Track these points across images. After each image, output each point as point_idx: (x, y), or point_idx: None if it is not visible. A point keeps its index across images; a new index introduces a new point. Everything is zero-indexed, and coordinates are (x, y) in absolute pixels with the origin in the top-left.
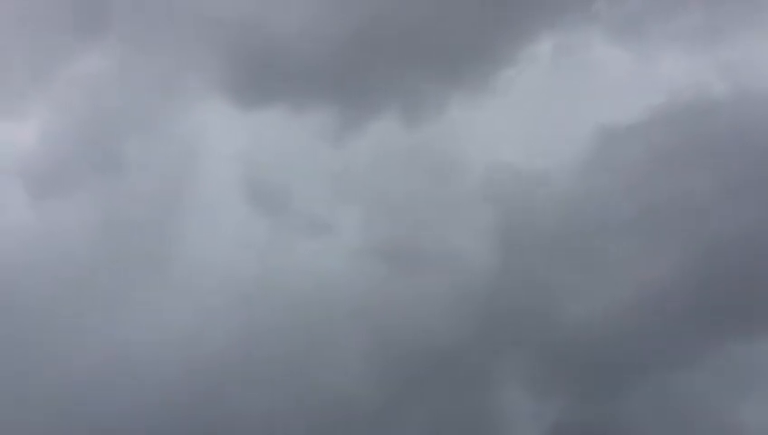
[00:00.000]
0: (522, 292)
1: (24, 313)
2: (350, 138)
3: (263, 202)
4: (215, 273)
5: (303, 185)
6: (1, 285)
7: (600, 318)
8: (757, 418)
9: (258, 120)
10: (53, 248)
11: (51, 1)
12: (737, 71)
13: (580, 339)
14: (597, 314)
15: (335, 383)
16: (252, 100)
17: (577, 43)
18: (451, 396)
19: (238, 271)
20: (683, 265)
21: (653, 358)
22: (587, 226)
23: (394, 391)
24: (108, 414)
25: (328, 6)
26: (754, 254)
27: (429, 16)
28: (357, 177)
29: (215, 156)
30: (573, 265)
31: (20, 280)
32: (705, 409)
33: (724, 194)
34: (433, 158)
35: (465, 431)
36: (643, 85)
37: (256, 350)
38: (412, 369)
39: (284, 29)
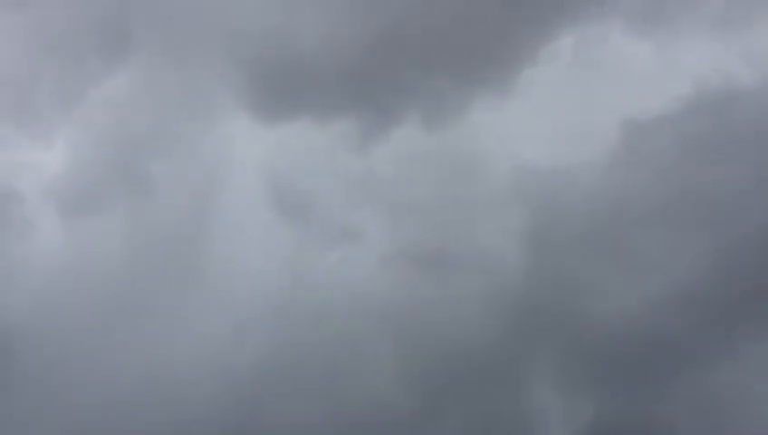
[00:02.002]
0: (552, 291)
1: (59, 332)
2: (374, 144)
3: (290, 213)
4: (245, 285)
5: (329, 194)
6: (36, 305)
7: (633, 314)
8: None
9: (282, 133)
10: (86, 268)
11: (74, 26)
12: (762, 57)
13: (613, 336)
14: (630, 310)
15: (369, 390)
16: (275, 112)
17: (597, 38)
18: (484, 398)
19: (268, 282)
20: (716, 256)
21: (689, 353)
22: (616, 221)
23: (427, 395)
24: (143, 429)
25: (345, 17)
26: None
27: (447, 21)
28: (382, 183)
29: (241, 170)
30: (604, 261)
31: (55, 300)
32: (743, 403)
33: (755, 183)
34: (457, 160)
35: (499, 433)
36: (667, 76)
37: (289, 360)
38: (445, 372)
39: (304, 42)
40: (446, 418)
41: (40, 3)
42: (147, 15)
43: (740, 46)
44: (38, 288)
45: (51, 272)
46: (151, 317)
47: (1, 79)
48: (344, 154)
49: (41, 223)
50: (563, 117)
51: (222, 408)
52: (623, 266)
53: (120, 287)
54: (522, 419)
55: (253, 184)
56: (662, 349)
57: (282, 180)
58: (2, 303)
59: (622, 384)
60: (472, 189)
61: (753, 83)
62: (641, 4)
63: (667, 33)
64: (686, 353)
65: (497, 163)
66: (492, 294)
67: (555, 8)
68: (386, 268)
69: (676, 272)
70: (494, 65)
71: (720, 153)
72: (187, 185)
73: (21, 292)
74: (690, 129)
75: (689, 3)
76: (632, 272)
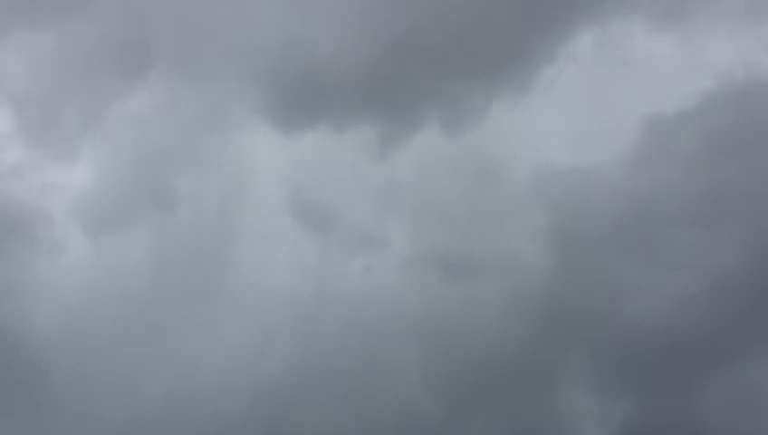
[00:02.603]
0: (579, 291)
1: (88, 347)
2: (394, 151)
3: (312, 223)
4: (270, 296)
5: (351, 202)
6: (66, 322)
7: (663, 313)
8: None
9: (303, 143)
10: (114, 284)
11: (95, 45)
12: None
13: (643, 336)
14: (659, 308)
15: (397, 396)
16: (294, 123)
17: (617, 35)
18: (513, 402)
19: (293, 292)
20: (745, 250)
21: (721, 351)
22: (642, 219)
23: (455, 400)
24: None
25: (361, 25)
26: None
27: (463, 23)
28: (403, 189)
29: (262, 182)
30: (631, 260)
31: (84, 317)
32: None
33: None
34: (478, 163)
35: None
36: (689, 71)
37: (316, 368)
38: (473, 377)
39: (320, 51)
40: (474, 422)
41: (61, 23)
42: (165, 32)
43: (762, 38)
44: (67, 305)
45: (79, 289)
46: (179, 330)
47: (25, 99)
48: (365, 162)
49: (68, 241)
50: (584, 115)
51: (250, 418)
52: (651, 264)
53: (148, 302)
54: (552, 422)
55: (275, 195)
56: (694, 347)
57: (304, 190)
58: (32, 320)
59: (654, 384)
60: (494, 192)
61: None
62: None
63: (689, 28)
64: (718, 351)
65: (519, 165)
66: (519, 297)
67: (573, 6)
68: (410, 274)
69: (705, 268)
70: (513, 66)
71: (745, 146)
72: (211, 198)
73: (51, 309)
74: (714, 122)
75: None
76: (661, 269)
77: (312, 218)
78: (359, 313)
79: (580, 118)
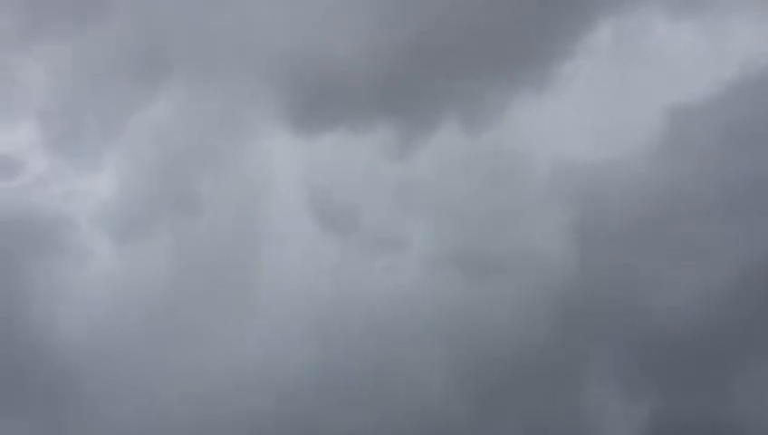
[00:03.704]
0: (602, 287)
1: (114, 352)
2: (413, 151)
3: (333, 224)
4: (292, 298)
5: (371, 203)
6: (93, 327)
7: (688, 307)
8: None
9: (322, 145)
10: (139, 289)
11: (113, 54)
12: None
13: (669, 331)
14: (684, 303)
15: (420, 397)
16: (313, 125)
17: (635, 27)
18: (537, 401)
19: (315, 294)
20: None
21: (751, 344)
22: (666, 212)
23: (480, 399)
24: None
25: (376, 25)
26: None
27: (480, 22)
28: (423, 188)
29: (282, 185)
30: (656, 254)
31: (110, 321)
32: None
33: None
34: (498, 160)
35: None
36: (711, 60)
37: (340, 369)
38: (497, 375)
39: (336, 53)
40: (497, 423)
41: (81, 34)
42: (183, 39)
43: None
44: (94, 311)
45: (105, 295)
46: (202, 334)
47: (48, 109)
48: (384, 162)
49: (94, 248)
50: (605, 109)
51: (274, 420)
52: (674, 259)
53: (172, 306)
54: (577, 420)
55: (295, 197)
56: (720, 341)
57: (324, 192)
58: (59, 326)
59: (680, 380)
60: (515, 189)
61: None
62: None
63: (709, 16)
64: (745, 345)
65: (539, 161)
66: (540, 295)
67: (590, 1)
68: (431, 274)
69: (729, 261)
70: (531, 62)
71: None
72: (232, 202)
73: (77, 315)
74: (737, 112)
75: None
76: (684, 264)
77: (332, 220)
78: (380, 313)
79: (600, 113)
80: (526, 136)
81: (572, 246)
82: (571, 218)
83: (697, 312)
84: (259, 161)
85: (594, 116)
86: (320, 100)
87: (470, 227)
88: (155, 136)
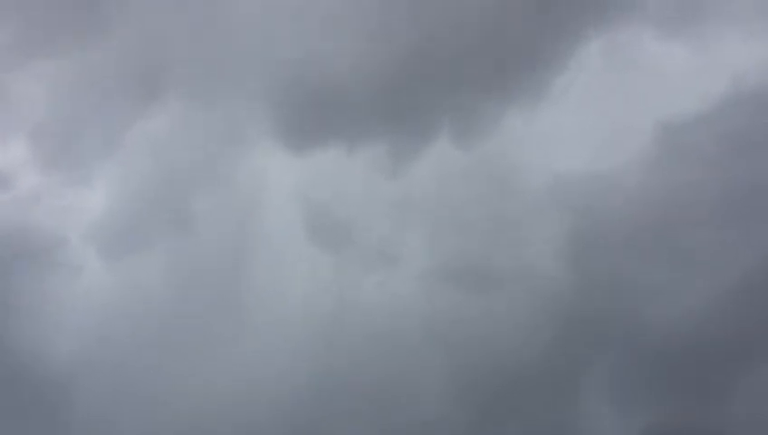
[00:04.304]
0: (600, 298)
1: (107, 368)
2: (408, 165)
3: (327, 240)
4: (287, 314)
5: (366, 218)
6: (85, 343)
7: (686, 318)
8: None
9: (316, 160)
10: (131, 305)
11: (110, 69)
12: None
13: (666, 342)
14: (682, 313)
15: (417, 409)
16: (307, 141)
17: (627, 41)
18: (535, 411)
19: (310, 309)
20: (766, 251)
21: (748, 354)
22: (660, 223)
23: (478, 410)
24: None
25: (370, 40)
26: None
27: (473, 36)
28: (418, 203)
29: (277, 201)
30: (651, 265)
31: (102, 337)
32: None
33: None
34: (493, 173)
35: None
36: (702, 74)
37: (335, 383)
38: (495, 387)
39: (330, 69)
40: (497, 433)
41: (76, 51)
42: (178, 57)
43: None
44: (86, 327)
45: (97, 311)
46: (197, 350)
47: (41, 124)
48: (378, 176)
49: (85, 264)
50: (598, 122)
51: (272, 433)
52: (671, 269)
53: (166, 322)
54: (575, 430)
55: (290, 212)
56: (718, 351)
57: (319, 207)
58: (51, 343)
59: (677, 390)
60: (510, 201)
61: None
62: (671, 3)
63: (699, 32)
64: (743, 355)
65: (534, 173)
66: (538, 306)
67: (582, 15)
68: (428, 286)
69: (726, 270)
70: (525, 75)
71: (760, 148)
72: (226, 218)
73: (69, 332)
74: (729, 125)
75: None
76: (681, 274)
77: (327, 235)
78: (375, 327)
79: (594, 124)
80: (520, 149)
81: (568, 257)
82: (566, 229)
83: (693, 321)
84: (253, 177)
85: (587, 128)
86: (314, 116)
87: (465, 240)
88: (149, 152)
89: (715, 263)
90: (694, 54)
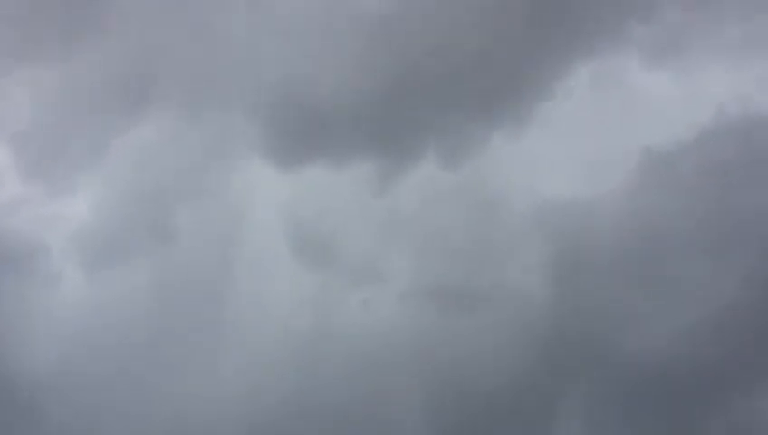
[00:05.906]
0: (581, 323)
1: (86, 380)
2: (393, 184)
3: (311, 257)
4: (269, 330)
5: (350, 237)
6: (64, 354)
7: (667, 344)
8: None
9: (301, 177)
10: (112, 317)
11: (95, 80)
12: None
13: (644, 368)
14: (661, 340)
15: (397, 430)
16: (293, 158)
17: (613, 70)
18: (516, 433)
19: (294, 326)
20: (750, 281)
21: (727, 383)
22: (642, 251)
23: (456, 432)
24: None
25: (358, 60)
26: None
27: (461, 60)
28: (403, 222)
29: (261, 217)
30: (633, 291)
31: (81, 351)
32: None
33: None
34: (477, 196)
35: None
36: (686, 105)
37: (315, 401)
38: (474, 409)
39: (317, 86)
40: None
41: (63, 59)
42: (165, 69)
43: (758, 73)
44: (65, 338)
45: (77, 322)
46: (177, 364)
47: (24, 133)
48: (364, 195)
49: (67, 275)
50: (583, 148)
51: None
52: (653, 296)
53: (147, 335)
54: None
55: (275, 229)
56: (697, 379)
57: (303, 224)
58: (30, 353)
59: (655, 419)
60: (494, 224)
61: None
62: (656, 33)
63: (684, 63)
64: (722, 383)
65: (519, 197)
66: (520, 329)
67: (570, 42)
68: (411, 307)
69: (707, 299)
70: (511, 100)
71: (743, 178)
72: (210, 232)
73: (48, 342)
74: (712, 155)
75: (705, 31)
76: (663, 301)
77: (311, 253)
78: (358, 346)
79: (579, 150)
80: (506, 172)
81: (551, 281)
82: (549, 254)
83: (674, 348)
84: (239, 192)
85: (572, 154)
86: (301, 132)
87: (449, 261)
88: (134, 163)
89: (696, 291)
90: (678, 84)
